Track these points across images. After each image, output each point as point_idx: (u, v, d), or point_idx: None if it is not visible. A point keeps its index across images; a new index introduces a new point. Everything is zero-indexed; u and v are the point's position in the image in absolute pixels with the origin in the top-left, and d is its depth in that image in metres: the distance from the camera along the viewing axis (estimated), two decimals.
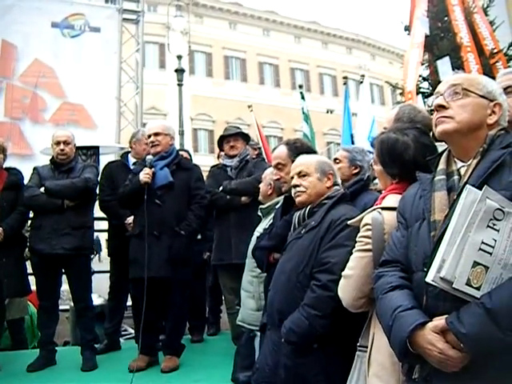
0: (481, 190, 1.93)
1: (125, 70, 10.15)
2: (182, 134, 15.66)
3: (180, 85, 15.89)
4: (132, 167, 6.48)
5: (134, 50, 10.55)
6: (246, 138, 6.53)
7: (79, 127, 9.00)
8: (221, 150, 6.64)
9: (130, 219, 6.15)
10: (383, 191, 2.96)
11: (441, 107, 2.27)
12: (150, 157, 5.70)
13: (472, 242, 1.86)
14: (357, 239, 2.74)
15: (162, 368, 5.55)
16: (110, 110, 9.39)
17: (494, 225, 1.89)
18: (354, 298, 2.65)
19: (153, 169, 5.60)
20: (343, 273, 2.74)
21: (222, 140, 6.42)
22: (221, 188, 6.07)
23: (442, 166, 2.31)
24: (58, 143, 5.94)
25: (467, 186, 1.98)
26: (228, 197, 5.99)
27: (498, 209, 1.90)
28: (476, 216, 1.88)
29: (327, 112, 35.03)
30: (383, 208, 2.67)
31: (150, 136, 5.80)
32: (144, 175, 5.52)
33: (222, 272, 6.14)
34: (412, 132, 2.88)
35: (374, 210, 2.72)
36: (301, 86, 13.07)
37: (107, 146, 8.50)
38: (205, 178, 6.33)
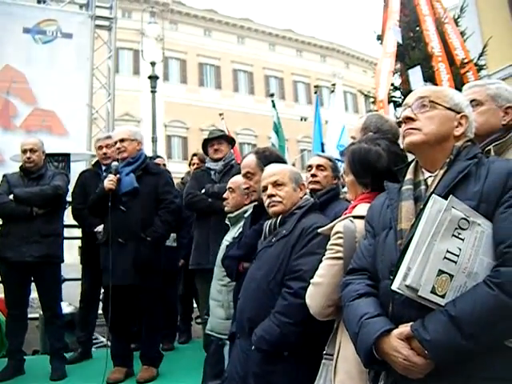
0: (447, 199, 1.96)
1: (97, 77, 10.08)
2: (155, 140, 15.55)
3: (153, 91, 15.80)
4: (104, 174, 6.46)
5: (107, 56, 10.48)
6: (230, 141, 6.52)
7: (51, 134, 8.92)
8: (205, 153, 6.58)
9: (100, 227, 6.10)
10: (352, 201, 2.97)
11: (409, 119, 2.32)
12: (115, 163, 5.66)
13: (437, 250, 1.89)
14: (327, 247, 2.75)
15: (137, 379, 5.51)
16: (82, 116, 9.32)
17: (459, 234, 1.92)
18: (323, 306, 2.66)
19: (118, 175, 5.56)
20: (312, 280, 2.74)
21: (207, 143, 6.38)
22: (203, 190, 6.03)
23: (409, 175, 2.35)
24: (24, 151, 5.90)
25: (433, 195, 2.01)
26: (210, 200, 5.91)
27: (463, 218, 1.93)
28: (441, 225, 1.91)
29: (301, 119, 35.18)
30: (355, 216, 2.69)
31: (116, 142, 5.77)
32: (108, 182, 5.48)
33: (199, 277, 6.05)
34: (383, 142, 2.91)
35: (346, 218, 2.73)
36: (272, 95, 13.14)
37: (78, 154, 8.44)
38: (176, 184, 6.30)
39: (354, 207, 2.86)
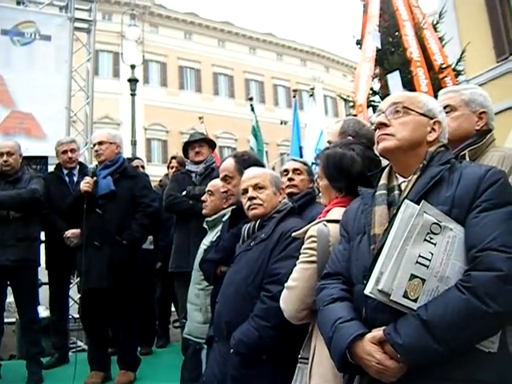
0: (419, 204, 1.98)
1: (75, 80, 10.00)
2: (134, 144, 15.47)
3: (133, 94, 15.72)
4: (66, 178, 6.45)
5: (86, 59, 10.42)
6: (211, 144, 6.52)
7: (29, 137, 8.83)
8: (186, 156, 6.57)
9: (69, 232, 6.06)
10: (326, 205, 2.98)
11: (382, 125, 2.34)
12: (92, 166, 5.69)
13: (409, 255, 1.91)
14: (301, 251, 2.76)
15: (115, 383, 5.48)
16: (60, 119, 9.24)
17: (431, 238, 1.94)
18: (297, 310, 2.68)
19: (95, 178, 5.54)
20: (286, 284, 2.76)
21: (188, 146, 6.38)
22: (184, 192, 6.02)
23: (383, 181, 2.37)
24: (1, 154, 5.87)
25: (405, 200, 2.03)
26: (191, 202, 5.88)
27: (435, 223, 1.96)
28: (413, 230, 1.93)
29: (281, 123, 35.13)
30: (329, 221, 2.70)
31: (94, 145, 5.75)
32: (84, 184, 5.48)
33: (179, 280, 6.01)
34: (358, 146, 2.93)
35: (320, 222, 2.74)
36: (251, 99, 13.07)
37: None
38: (153, 187, 6.28)
39: (327, 211, 2.87)
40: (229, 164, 4.23)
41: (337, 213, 2.71)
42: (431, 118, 2.34)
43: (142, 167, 7.83)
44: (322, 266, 2.54)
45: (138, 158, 8.77)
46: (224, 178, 4.22)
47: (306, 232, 2.81)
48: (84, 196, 5.43)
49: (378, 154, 2.69)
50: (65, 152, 6.63)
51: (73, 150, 6.62)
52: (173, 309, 7.72)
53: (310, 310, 2.61)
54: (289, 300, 2.71)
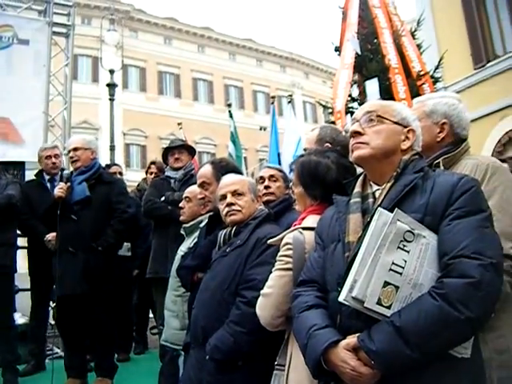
0: (393, 212, 2.00)
1: (53, 85, 9.94)
2: (113, 149, 15.37)
3: (112, 99, 15.59)
4: (48, 184, 6.41)
5: (64, 63, 10.35)
6: (191, 151, 6.51)
7: (6, 142, 8.75)
8: (165, 162, 6.57)
9: (50, 236, 6.02)
10: (301, 212, 3.00)
11: (357, 133, 2.36)
12: (66, 171, 5.65)
13: (383, 262, 1.93)
14: (277, 258, 2.77)
15: None
16: (38, 124, 9.18)
17: (405, 246, 1.97)
18: (273, 317, 2.69)
19: (69, 183, 5.52)
20: (262, 291, 2.77)
21: (167, 152, 6.37)
22: (162, 198, 6.00)
23: (357, 188, 2.39)
24: None
25: (379, 208, 2.05)
26: (169, 207, 5.86)
27: (409, 231, 1.98)
28: (387, 238, 1.96)
29: (260, 129, 35.10)
30: (304, 228, 2.71)
31: (69, 151, 5.72)
32: (58, 190, 5.45)
33: (157, 286, 5.99)
34: (332, 154, 2.96)
35: (295, 229, 2.76)
36: (229, 105, 13.06)
37: (33, 162, 8.32)
38: (131, 192, 6.26)
39: (303, 219, 2.89)
40: (206, 170, 4.24)
41: (312, 220, 2.73)
42: (405, 127, 2.37)
43: (120, 173, 7.81)
44: (297, 274, 2.55)
45: (116, 165, 8.73)
46: (201, 185, 4.23)
47: (281, 239, 2.82)
48: (58, 202, 5.40)
49: (352, 162, 2.72)
50: (48, 157, 6.61)
51: (56, 155, 6.61)
52: (151, 315, 7.69)
53: (286, 317, 2.63)
54: (264, 307, 2.72)
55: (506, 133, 14.72)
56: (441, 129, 2.94)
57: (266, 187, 4.23)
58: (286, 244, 2.72)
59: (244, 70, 47.11)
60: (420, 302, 1.92)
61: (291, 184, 3.56)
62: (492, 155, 14.20)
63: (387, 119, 2.35)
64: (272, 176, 4.32)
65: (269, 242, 3.04)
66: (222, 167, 4.16)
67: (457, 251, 1.95)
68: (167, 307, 4.65)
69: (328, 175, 2.86)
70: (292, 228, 2.82)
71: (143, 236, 6.94)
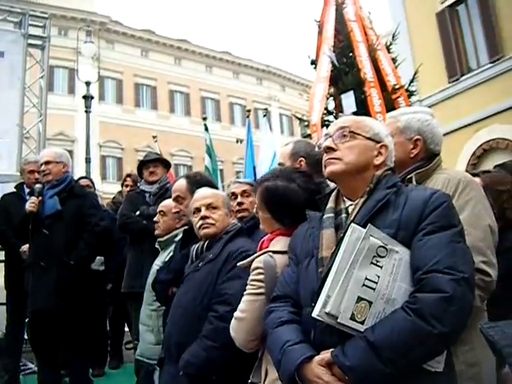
0: (365, 228, 2.01)
1: (28, 96, 9.87)
2: (88, 161, 15.26)
3: (87, 112, 15.50)
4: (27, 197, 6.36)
5: (39, 75, 10.29)
6: (166, 164, 6.48)
7: None
8: (140, 175, 6.53)
9: (25, 247, 5.97)
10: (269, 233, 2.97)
11: (330, 149, 2.37)
12: (38, 185, 5.62)
13: (356, 278, 1.94)
14: (248, 282, 2.76)
15: None
16: (12, 136, 9.10)
17: (378, 261, 1.98)
18: (247, 340, 2.69)
19: (40, 197, 5.49)
20: (235, 314, 2.75)
21: (142, 166, 6.33)
22: (137, 212, 5.97)
23: (330, 204, 2.40)
24: None
25: (352, 224, 2.06)
26: (144, 222, 5.82)
27: (381, 246, 1.99)
28: (360, 253, 1.96)
29: (237, 141, 35.19)
30: (274, 252, 2.70)
31: (41, 165, 5.69)
32: (29, 204, 5.44)
33: (132, 300, 5.92)
34: (299, 178, 2.91)
35: (265, 253, 2.74)
36: (205, 119, 13.05)
37: (8, 175, 8.26)
38: (106, 204, 6.23)
39: (270, 240, 2.86)
40: (181, 185, 4.24)
41: (281, 243, 2.72)
42: (378, 142, 2.39)
43: (89, 186, 7.73)
44: (270, 297, 2.54)
45: (85, 178, 8.63)
46: (176, 199, 4.23)
47: (251, 262, 2.81)
48: (29, 216, 5.36)
49: (319, 183, 2.73)
50: (32, 172, 6.57)
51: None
52: (127, 329, 7.63)
53: (261, 339, 2.61)
54: (238, 330, 2.71)
55: (481, 145, 14.93)
56: (414, 145, 2.93)
57: (239, 203, 4.23)
58: (257, 268, 2.71)
59: (221, 83, 47.18)
60: (393, 317, 1.93)
61: (255, 206, 3.52)
62: (467, 168, 14.40)
63: (360, 135, 2.37)
64: (244, 191, 4.32)
65: (238, 264, 3.01)
66: (197, 181, 4.16)
67: (429, 266, 1.96)
68: (142, 321, 4.62)
69: (295, 199, 2.81)
70: (262, 251, 2.80)
71: (117, 250, 6.88)
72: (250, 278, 2.75)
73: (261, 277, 2.65)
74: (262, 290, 2.64)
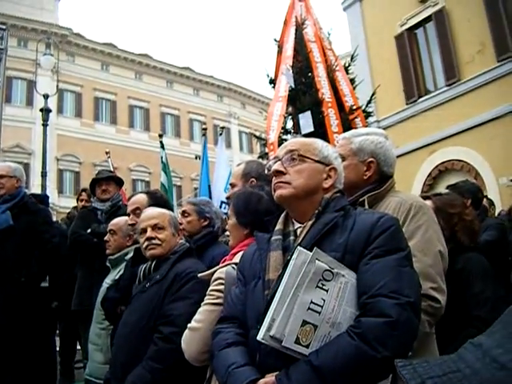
0: (312, 251, 2.00)
1: None
2: (44, 175, 14.99)
3: (45, 125, 15.25)
4: None
5: None
6: (118, 182, 6.45)
7: None
8: (93, 192, 6.47)
9: None
10: (233, 247, 3.00)
11: (279, 172, 2.37)
12: None
13: (301, 301, 1.94)
14: (208, 292, 2.76)
15: None
16: None
17: (323, 285, 1.98)
18: (199, 352, 2.64)
19: None
20: (189, 325, 2.73)
21: (95, 183, 6.28)
22: (89, 230, 5.90)
23: (279, 226, 2.40)
24: None
25: (298, 247, 2.06)
26: (95, 240, 5.77)
27: (327, 270, 1.99)
28: (306, 277, 1.96)
29: (196, 158, 35.09)
30: (237, 264, 2.70)
31: None
32: None
33: (82, 318, 5.84)
34: (267, 188, 2.97)
35: (228, 265, 2.75)
36: (161, 135, 12.97)
37: None
38: (61, 219, 6.14)
39: (234, 254, 2.89)
40: (141, 198, 4.27)
41: None
42: (327, 165, 2.40)
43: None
44: None
45: (36, 195, 8.45)
46: (134, 211, 4.21)
47: (212, 274, 2.81)
48: None
49: None
50: None
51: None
52: (79, 347, 7.49)
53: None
54: (191, 341, 2.68)
55: (436, 166, 15.19)
56: (367, 167, 2.92)
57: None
58: (218, 279, 2.72)
59: (181, 99, 47.18)
60: (338, 341, 1.93)
61: (225, 216, 3.58)
62: (422, 188, 14.63)
63: (309, 158, 2.37)
64: (184, 212, 4.36)
65: (199, 275, 3.02)
66: (157, 198, 4.22)
67: (375, 290, 1.97)
68: (91, 340, 4.56)
69: (260, 204, 2.93)
70: (225, 263, 2.81)
71: (63, 266, 6.76)
72: (210, 288, 2.76)
73: (221, 287, 2.67)
74: (220, 300, 2.64)
